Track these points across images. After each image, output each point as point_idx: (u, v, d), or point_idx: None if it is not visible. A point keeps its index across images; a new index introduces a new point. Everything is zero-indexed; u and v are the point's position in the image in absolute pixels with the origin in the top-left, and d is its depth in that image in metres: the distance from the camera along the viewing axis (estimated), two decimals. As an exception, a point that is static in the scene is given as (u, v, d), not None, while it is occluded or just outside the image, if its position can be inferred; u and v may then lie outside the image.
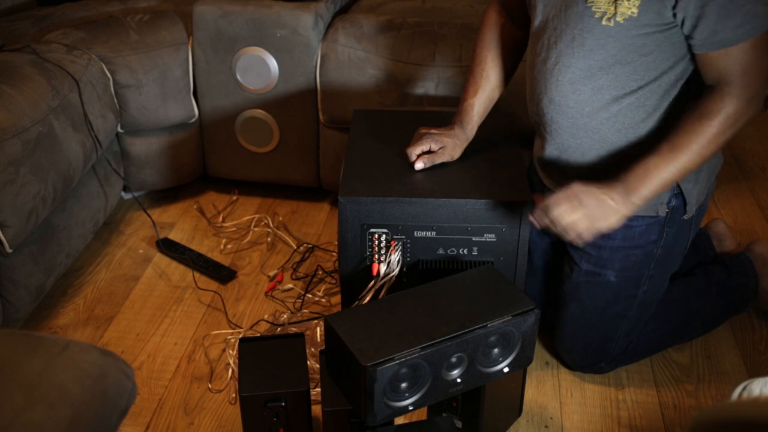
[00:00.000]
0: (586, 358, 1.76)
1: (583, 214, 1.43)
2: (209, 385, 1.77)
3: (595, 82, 1.49)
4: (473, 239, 1.56)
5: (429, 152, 1.65)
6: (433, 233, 1.56)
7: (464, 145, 1.68)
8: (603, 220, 1.44)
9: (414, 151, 1.65)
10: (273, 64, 2.18)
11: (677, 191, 1.57)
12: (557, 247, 1.76)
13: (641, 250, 1.61)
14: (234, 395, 1.74)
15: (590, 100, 1.50)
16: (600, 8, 1.42)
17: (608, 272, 1.64)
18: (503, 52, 1.70)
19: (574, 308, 1.70)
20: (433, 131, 1.66)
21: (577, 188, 1.45)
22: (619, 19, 1.40)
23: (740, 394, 1.00)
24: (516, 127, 1.84)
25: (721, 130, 1.41)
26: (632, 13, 1.39)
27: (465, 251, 1.57)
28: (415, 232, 1.56)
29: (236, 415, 1.68)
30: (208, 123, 2.32)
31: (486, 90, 1.70)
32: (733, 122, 1.41)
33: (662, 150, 1.44)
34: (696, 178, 1.58)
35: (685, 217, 1.61)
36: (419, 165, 1.62)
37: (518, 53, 1.73)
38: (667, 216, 1.59)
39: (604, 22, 1.42)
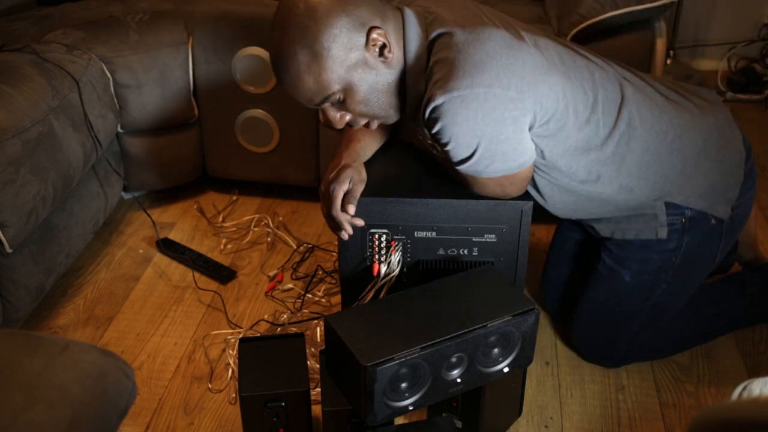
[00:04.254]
0: (591, 352, 1.80)
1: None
2: (209, 385, 1.77)
3: None
4: (473, 239, 1.56)
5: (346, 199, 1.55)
6: (434, 233, 1.56)
7: (362, 162, 1.60)
8: None
9: (339, 212, 1.50)
10: (273, 64, 2.17)
11: (685, 205, 1.59)
12: (591, 240, 1.80)
13: (659, 256, 1.63)
14: (234, 395, 1.74)
15: None
16: (424, 141, 1.53)
17: (625, 272, 1.67)
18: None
19: (591, 297, 1.74)
20: (330, 178, 1.52)
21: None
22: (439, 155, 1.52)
23: (740, 394, 1.00)
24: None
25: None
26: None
27: (465, 251, 1.57)
28: (416, 233, 1.56)
29: (236, 415, 1.68)
30: (208, 123, 2.32)
31: (367, 143, 1.64)
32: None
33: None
34: (692, 184, 1.58)
35: (724, 219, 1.61)
36: (351, 210, 1.49)
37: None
38: (684, 225, 1.60)
39: (434, 152, 1.55)
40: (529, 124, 1.43)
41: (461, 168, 1.45)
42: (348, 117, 1.45)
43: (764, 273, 1.87)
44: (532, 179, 1.56)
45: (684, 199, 1.58)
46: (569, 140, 1.49)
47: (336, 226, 1.52)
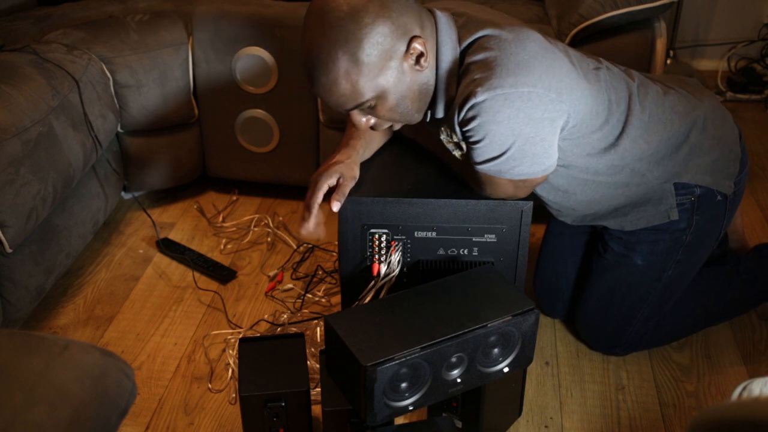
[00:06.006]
0: (601, 340, 1.82)
1: None
2: (209, 385, 1.77)
3: None
4: (473, 239, 1.56)
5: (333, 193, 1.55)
6: (434, 233, 1.56)
7: (359, 160, 1.60)
8: None
9: (316, 201, 1.51)
10: (273, 64, 2.18)
11: (694, 183, 1.61)
12: (594, 231, 1.82)
13: (669, 236, 1.65)
14: (234, 395, 1.74)
15: None
16: (447, 140, 1.54)
17: (636, 255, 1.68)
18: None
19: (600, 285, 1.76)
20: (320, 170, 1.54)
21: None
22: (459, 156, 1.54)
23: (740, 394, 1.00)
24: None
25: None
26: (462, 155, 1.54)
27: (465, 251, 1.57)
28: (416, 233, 1.56)
29: (236, 415, 1.68)
30: (208, 123, 2.32)
31: (369, 141, 1.65)
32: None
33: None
34: (697, 162, 1.61)
35: (728, 195, 1.65)
36: (335, 207, 1.50)
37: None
38: (694, 204, 1.62)
39: (455, 153, 1.55)
40: (562, 126, 1.43)
41: (483, 167, 1.44)
42: (373, 120, 1.44)
43: (756, 252, 1.91)
44: (549, 180, 1.58)
45: (692, 177, 1.61)
46: (590, 140, 1.51)
47: (304, 216, 1.51)
